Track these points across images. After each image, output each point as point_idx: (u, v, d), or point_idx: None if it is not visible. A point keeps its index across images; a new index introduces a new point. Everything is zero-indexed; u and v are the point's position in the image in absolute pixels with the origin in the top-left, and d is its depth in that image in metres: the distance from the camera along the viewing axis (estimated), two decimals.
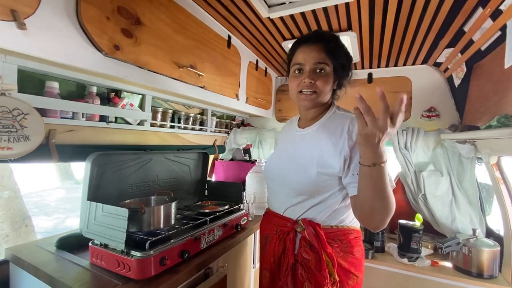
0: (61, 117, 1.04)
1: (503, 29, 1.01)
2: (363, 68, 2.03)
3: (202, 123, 1.90)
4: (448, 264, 1.42)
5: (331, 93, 0.90)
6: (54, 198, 7.90)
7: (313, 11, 1.27)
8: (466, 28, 1.21)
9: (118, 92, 1.28)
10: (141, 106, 1.38)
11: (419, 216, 1.55)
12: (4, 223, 3.35)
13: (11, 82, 0.87)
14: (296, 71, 0.88)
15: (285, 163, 0.93)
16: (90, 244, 0.91)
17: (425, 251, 1.51)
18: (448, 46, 1.47)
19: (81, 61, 0.86)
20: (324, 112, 0.92)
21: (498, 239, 1.41)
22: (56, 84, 1.01)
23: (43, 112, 0.96)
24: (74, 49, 0.83)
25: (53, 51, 0.79)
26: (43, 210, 6.75)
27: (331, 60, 0.84)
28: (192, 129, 1.78)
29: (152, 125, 1.45)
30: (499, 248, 1.31)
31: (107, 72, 0.94)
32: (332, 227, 0.85)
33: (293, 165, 0.89)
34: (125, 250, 0.83)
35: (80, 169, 1.03)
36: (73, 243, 1.05)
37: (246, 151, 2.18)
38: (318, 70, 0.84)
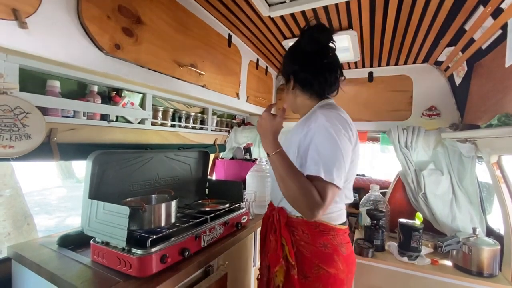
0: (62, 116, 1.04)
1: (504, 27, 1.01)
2: (363, 67, 2.03)
3: (202, 122, 1.91)
4: (448, 263, 1.42)
5: (301, 95, 0.98)
6: (55, 196, 7.93)
7: (314, 10, 1.27)
8: (467, 27, 1.21)
9: (119, 91, 1.28)
10: (142, 105, 1.38)
11: (419, 215, 1.55)
12: (6, 221, 3.36)
13: (13, 81, 0.88)
14: None
15: None
16: (91, 242, 0.92)
17: (425, 249, 1.51)
18: (449, 45, 1.47)
19: (82, 60, 0.86)
20: (308, 111, 0.98)
21: (498, 238, 1.41)
22: (57, 83, 1.02)
23: (44, 110, 0.96)
24: (75, 48, 0.84)
25: (54, 50, 0.79)
26: (45, 208, 6.78)
27: (284, 77, 1.02)
28: (193, 128, 1.78)
29: (153, 124, 1.46)
30: (499, 247, 1.30)
31: (108, 71, 0.94)
32: (297, 218, 0.91)
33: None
34: (126, 248, 0.84)
35: (81, 168, 1.03)
36: (74, 241, 1.06)
37: (247, 150, 2.19)
38: None
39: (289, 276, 0.88)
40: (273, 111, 0.93)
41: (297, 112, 1.03)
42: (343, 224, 0.93)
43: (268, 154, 0.84)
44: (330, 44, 0.93)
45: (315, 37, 0.92)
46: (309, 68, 0.93)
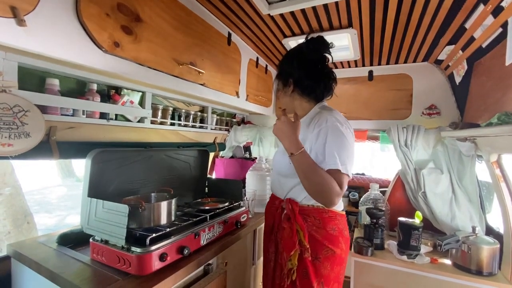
0: (62, 114, 1.04)
1: (504, 26, 1.00)
2: (363, 65, 2.03)
3: (202, 121, 1.90)
4: (447, 262, 1.42)
5: (300, 98, 1.07)
6: (55, 195, 7.93)
7: (314, 8, 1.27)
8: (467, 25, 1.20)
9: (118, 90, 1.28)
10: (141, 103, 1.38)
11: (418, 213, 1.55)
12: (6, 220, 3.36)
13: (12, 79, 0.88)
14: None
15: (279, 152, 1.11)
16: (90, 240, 0.92)
17: (424, 248, 1.51)
18: (449, 43, 1.46)
19: (81, 58, 0.86)
20: (307, 111, 1.09)
21: (498, 236, 1.41)
22: (56, 81, 1.02)
23: (43, 109, 0.96)
24: (74, 46, 0.83)
25: (53, 48, 0.79)
26: (44, 207, 6.78)
27: (279, 81, 1.10)
28: (193, 126, 1.78)
29: (152, 122, 1.45)
30: (498, 246, 1.30)
31: (107, 69, 0.94)
32: (308, 206, 1.01)
33: (281, 151, 1.06)
34: (126, 246, 0.84)
35: (81, 167, 1.03)
36: (74, 239, 1.06)
37: (246, 148, 2.19)
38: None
39: (302, 259, 0.96)
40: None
41: (292, 113, 1.11)
42: (343, 211, 1.07)
43: (292, 154, 0.91)
44: (328, 55, 1.06)
45: (316, 47, 1.04)
46: (312, 76, 1.03)
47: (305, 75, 1.03)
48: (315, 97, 1.07)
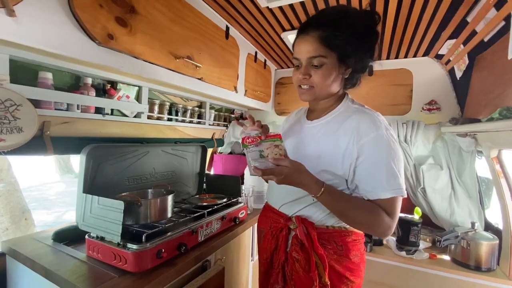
0: (56, 109, 1.02)
1: (507, 19, 0.98)
2: None
3: (200, 116, 1.88)
4: (446, 257, 1.42)
5: (341, 83, 0.82)
6: (53, 192, 7.92)
7: (313, 1, 1.24)
8: (469, 19, 1.18)
9: (114, 84, 1.26)
10: (138, 98, 1.36)
11: (418, 209, 1.55)
12: (3, 216, 3.35)
13: (3, 72, 0.85)
14: (296, 66, 0.82)
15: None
16: (86, 237, 0.91)
17: (423, 244, 1.51)
18: (450, 37, 1.44)
19: (74, 50, 0.83)
20: (335, 104, 0.84)
21: (496, 232, 1.41)
22: (49, 75, 0.99)
23: (36, 103, 0.94)
24: (66, 38, 0.81)
25: (45, 39, 0.76)
26: (43, 204, 6.77)
27: (330, 50, 0.74)
28: (190, 122, 1.76)
29: (149, 117, 1.43)
30: (497, 241, 1.30)
31: (101, 62, 0.91)
32: (328, 227, 0.80)
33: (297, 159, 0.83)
34: (122, 243, 0.83)
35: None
36: (69, 236, 1.05)
37: None
38: (314, 64, 0.76)
39: None
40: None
41: (313, 99, 0.84)
42: None
43: (313, 196, 0.71)
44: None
45: (375, 28, 0.77)
46: (370, 61, 0.81)
47: (370, 58, 0.79)
48: (351, 86, 0.85)
